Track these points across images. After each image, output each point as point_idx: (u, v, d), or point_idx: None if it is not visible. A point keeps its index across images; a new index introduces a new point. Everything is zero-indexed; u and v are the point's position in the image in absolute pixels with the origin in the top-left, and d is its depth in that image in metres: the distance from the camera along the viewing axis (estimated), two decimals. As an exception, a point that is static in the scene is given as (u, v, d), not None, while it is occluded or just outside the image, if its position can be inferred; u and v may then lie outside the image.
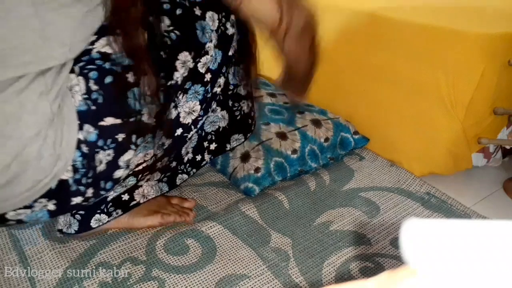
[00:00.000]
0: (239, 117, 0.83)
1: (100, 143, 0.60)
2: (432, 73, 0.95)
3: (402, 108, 1.03)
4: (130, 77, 0.60)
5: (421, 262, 0.18)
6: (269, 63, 1.36)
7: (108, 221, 0.77)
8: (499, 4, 1.16)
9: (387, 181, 1.01)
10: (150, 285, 0.70)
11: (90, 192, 0.63)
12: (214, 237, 0.81)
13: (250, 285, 0.72)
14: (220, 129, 0.83)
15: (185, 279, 0.71)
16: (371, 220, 0.88)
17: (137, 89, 0.60)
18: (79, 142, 0.58)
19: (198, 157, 0.83)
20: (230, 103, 0.81)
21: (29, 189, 0.57)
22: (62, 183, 0.60)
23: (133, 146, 0.63)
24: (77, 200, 0.63)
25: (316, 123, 1.03)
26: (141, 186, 0.77)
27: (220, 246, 0.79)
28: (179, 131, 0.70)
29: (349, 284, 0.20)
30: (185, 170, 0.83)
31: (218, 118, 0.82)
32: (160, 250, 0.77)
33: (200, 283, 0.71)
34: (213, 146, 0.84)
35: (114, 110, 0.60)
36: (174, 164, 0.79)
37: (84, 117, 0.58)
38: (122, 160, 0.63)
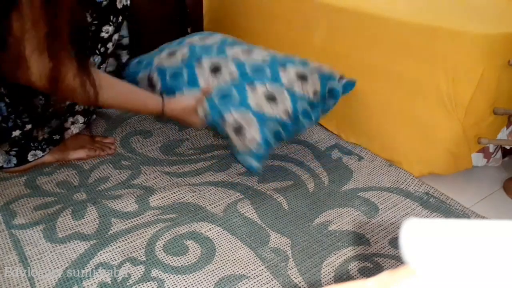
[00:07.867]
0: None
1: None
2: (432, 73, 0.95)
3: (402, 108, 1.03)
4: None
5: (420, 262, 0.17)
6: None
7: (42, 156, 0.94)
8: (499, 4, 1.16)
9: (386, 181, 1.00)
10: (149, 285, 0.70)
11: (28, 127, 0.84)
12: (213, 237, 0.81)
13: (249, 286, 0.71)
14: None
15: (184, 279, 0.71)
16: (370, 220, 0.88)
17: None
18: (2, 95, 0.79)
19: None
20: None
21: None
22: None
23: None
24: (16, 133, 0.83)
25: (302, 78, 0.99)
26: (69, 128, 0.96)
27: (219, 246, 0.79)
28: None
29: (349, 284, 0.20)
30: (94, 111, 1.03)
31: None
32: (159, 250, 0.77)
33: (199, 284, 0.71)
34: None
35: None
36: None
37: None
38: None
